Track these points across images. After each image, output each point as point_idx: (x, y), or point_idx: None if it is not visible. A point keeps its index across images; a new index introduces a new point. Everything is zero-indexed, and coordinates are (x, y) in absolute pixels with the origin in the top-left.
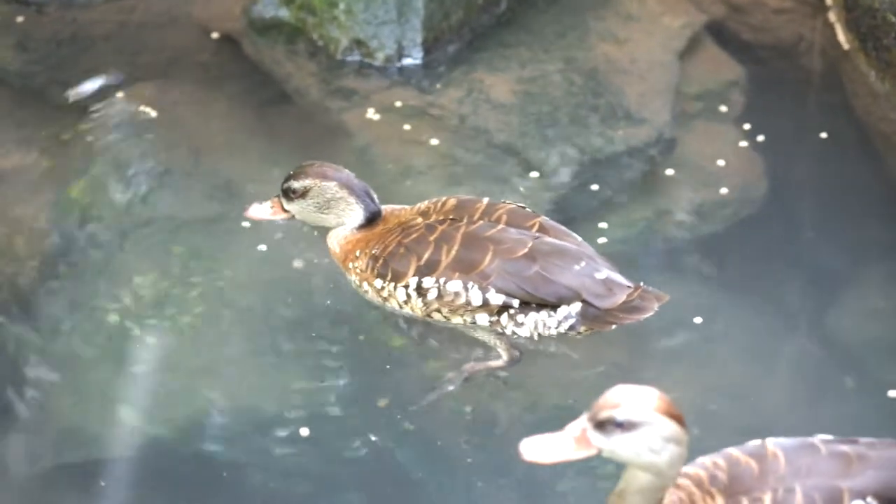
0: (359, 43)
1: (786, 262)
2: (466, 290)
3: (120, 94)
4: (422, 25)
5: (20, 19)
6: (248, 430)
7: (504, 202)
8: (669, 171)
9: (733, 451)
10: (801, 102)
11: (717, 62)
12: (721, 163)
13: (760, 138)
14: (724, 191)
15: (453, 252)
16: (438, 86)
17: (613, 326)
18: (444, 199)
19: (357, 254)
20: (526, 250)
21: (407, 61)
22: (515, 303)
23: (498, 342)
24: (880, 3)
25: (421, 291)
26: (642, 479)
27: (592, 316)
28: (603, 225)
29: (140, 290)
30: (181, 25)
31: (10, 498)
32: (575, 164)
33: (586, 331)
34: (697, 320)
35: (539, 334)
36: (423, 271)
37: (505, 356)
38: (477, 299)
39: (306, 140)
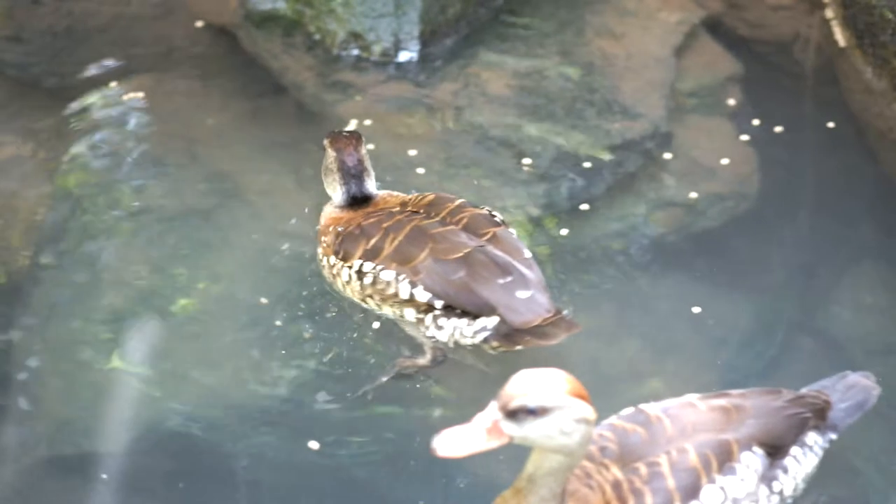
0: (356, 36)
1: (780, 257)
2: (397, 281)
3: (115, 86)
4: (419, 19)
5: (16, 10)
6: (240, 421)
7: (478, 207)
8: (665, 166)
9: (616, 421)
10: (797, 99)
11: (714, 58)
12: (716, 158)
13: (756, 134)
14: (719, 185)
15: (396, 242)
16: (435, 79)
17: (519, 347)
18: (426, 193)
19: (330, 229)
20: (460, 255)
21: (404, 55)
22: (439, 304)
23: (425, 340)
24: (877, 0)
25: (360, 275)
26: (552, 462)
27: (504, 333)
28: (597, 219)
29: (134, 281)
30: (177, 17)
31: (2, 489)
32: (570, 158)
33: (498, 347)
34: (696, 310)
35: (455, 341)
36: (367, 255)
37: (429, 355)
38: (405, 292)
39: (302, 133)
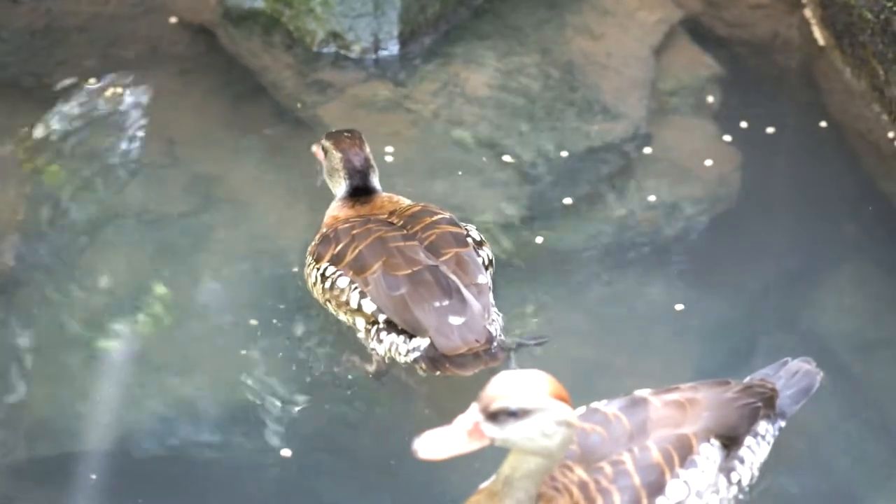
0: (335, 35)
1: (761, 258)
2: (350, 289)
3: (94, 85)
4: (398, 18)
5: None
6: (221, 424)
7: (456, 225)
8: (646, 166)
9: None
10: (776, 99)
11: (693, 58)
12: (697, 158)
13: (736, 134)
14: (700, 186)
15: (356, 251)
16: (415, 78)
17: (438, 373)
18: (416, 203)
19: (323, 230)
20: (408, 272)
21: (383, 54)
22: (381, 318)
23: (371, 352)
24: (856, 0)
25: (323, 278)
26: (531, 464)
27: (430, 356)
28: (579, 219)
29: (114, 284)
30: (156, 16)
31: None
32: (551, 159)
33: (425, 369)
34: (678, 308)
35: (391, 357)
36: (333, 260)
37: (373, 367)
38: (354, 301)
39: (281, 132)
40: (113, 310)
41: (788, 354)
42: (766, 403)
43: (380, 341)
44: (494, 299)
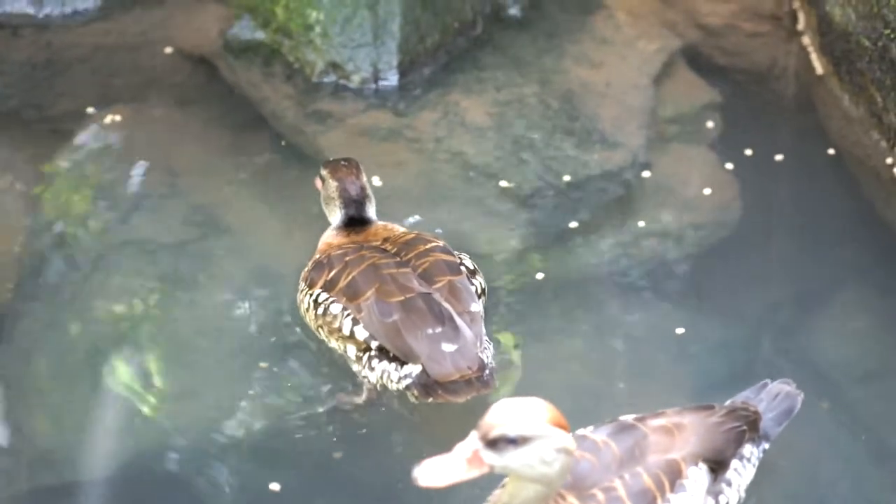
0: (334, 66)
1: (761, 284)
2: (343, 315)
3: (95, 116)
4: (397, 48)
5: None
6: (222, 453)
7: (450, 253)
8: (645, 195)
9: None
10: (775, 127)
11: (692, 86)
12: (697, 186)
13: (735, 162)
14: (700, 214)
15: (349, 277)
16: (414, 108)
17: (431, 400)
18: (409, 231)
19: (317, 256)
20: (401, 299)
21: (383, 84)
22: (374, 344)
23: (362, 379)
24: (853, 28)
25: (316, 304)
26: (530, 491)
27: (423, 382)
28: (578, 247)
29: (116, 314)
30: (156, 48)
31: None
32: (551, 187)
33: (417, 396)
34: (678, 333)
35: (383, 384)
36: (326, 286)
37: (364, 395)
38: (346, 328)
39: (282, 163)
40: (114, 340)
41: (789, 379)
42: (750, 427)
43: (371, 368)
44: (490, 326)
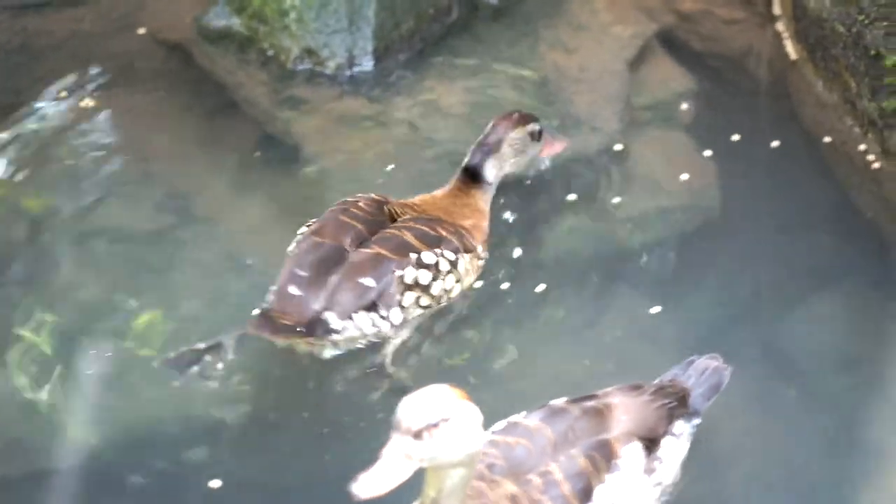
0: (310, 52)
1: (735, 271)
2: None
3: (70, 102)
4: (373, 34)
5: None
6: (192, 441)
7: (433, 247)
8: (621, 180)
9: (495, 437)
10: (750, 112)
11: (668, 72)
12: (673, 172)
13: (711, 147)
14: (676, 199)
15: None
16: (389, 94)
17: (253, 329)
18: (454, 223)
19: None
20: (319, 241)
21: (358, 70)
22: None
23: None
24: (828, 14)
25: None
26: (455, 477)
27: (262, 310)
28: (555, 232)
29: (87, 301)
30: (131, 34)
31: None
32: (525, 172)
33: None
34: (653, 316)
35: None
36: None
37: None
38: None
39: (257, 149)
40: (85, 329)
41: (761, 367)
42: (680, 403)
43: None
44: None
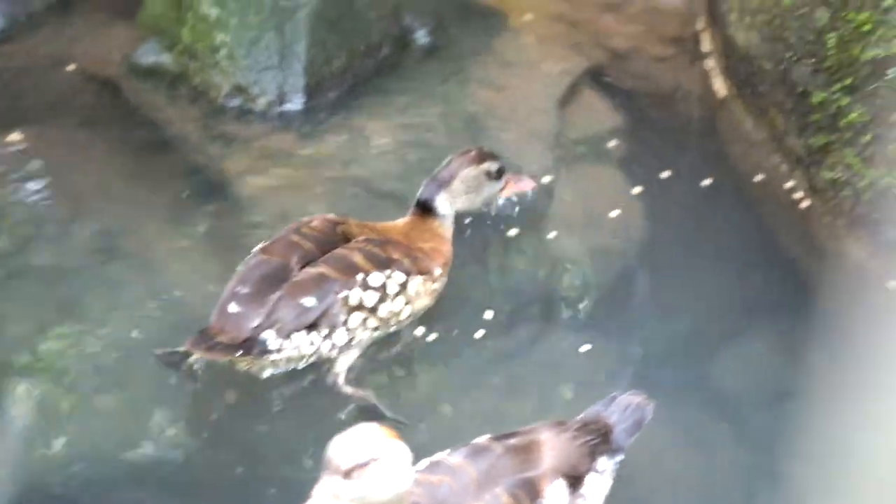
0: (240, 89)
1: (665, 310)
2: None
3: None
4: (303, 71)
5: None
6: (121, 478)
7: (383, 267)
8: (550, 219)
9: (419, 476)
10: (679, 150)
11: (598, 109)
12: (602, 209)
13: (641, 185)
14: (605, 236)
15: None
16: (320, 131)
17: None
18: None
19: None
20: (266, 258)
21: (288, 107)
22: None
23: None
24: (756, 51)
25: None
26: None
27: (201, 328)
28: (482, 271)
29: (15, 341)
30: (61, 70)
31: None
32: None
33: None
34: (583, 356)
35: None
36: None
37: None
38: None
39: (187, 186)
40: (12, 366)
41: (690, 403)
42: (603, 439)
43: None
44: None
